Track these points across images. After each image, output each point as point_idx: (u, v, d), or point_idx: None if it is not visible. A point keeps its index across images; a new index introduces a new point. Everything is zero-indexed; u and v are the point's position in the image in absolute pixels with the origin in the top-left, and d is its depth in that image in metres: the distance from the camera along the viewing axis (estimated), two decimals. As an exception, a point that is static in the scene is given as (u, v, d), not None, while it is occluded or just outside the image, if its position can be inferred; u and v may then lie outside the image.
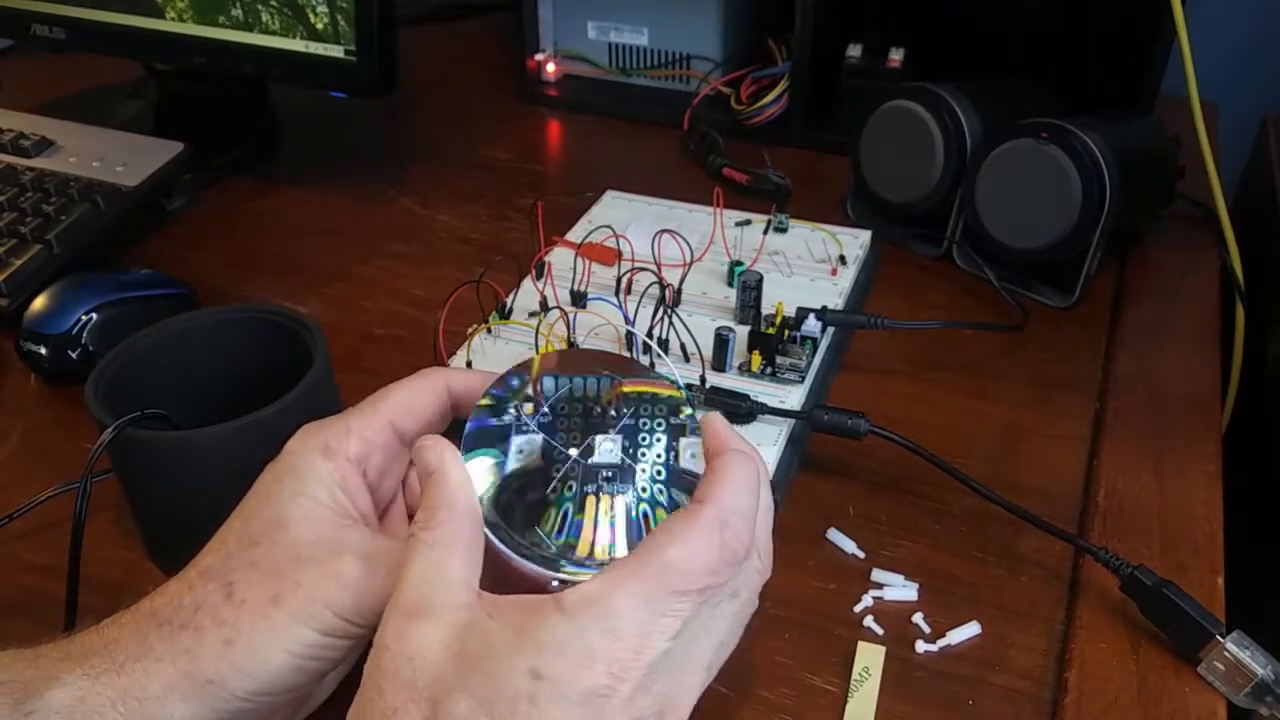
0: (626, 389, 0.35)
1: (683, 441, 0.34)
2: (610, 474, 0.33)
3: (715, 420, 0.35)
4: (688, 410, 0.35)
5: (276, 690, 0.32)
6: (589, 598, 0.29)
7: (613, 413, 0.34)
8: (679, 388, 0.35)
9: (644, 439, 0.34)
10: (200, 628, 0.32)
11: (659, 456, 0.34)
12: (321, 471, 0.35)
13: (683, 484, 0.34)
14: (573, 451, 0.34)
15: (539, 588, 0.32)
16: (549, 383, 0.36)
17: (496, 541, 0.33)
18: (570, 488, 0.34)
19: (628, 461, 0.33)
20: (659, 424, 0.34)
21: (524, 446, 0.34)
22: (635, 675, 0.29)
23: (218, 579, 0.33)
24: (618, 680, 0.29)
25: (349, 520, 0.35)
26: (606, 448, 0.34)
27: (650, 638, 0.29)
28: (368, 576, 0.32)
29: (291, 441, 0.36)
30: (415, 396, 0.38)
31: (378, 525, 0.37)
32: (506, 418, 0.35)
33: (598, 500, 0.33)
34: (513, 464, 0.34)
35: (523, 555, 0.33)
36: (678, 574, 0.30)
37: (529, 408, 0.35)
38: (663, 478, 0.34)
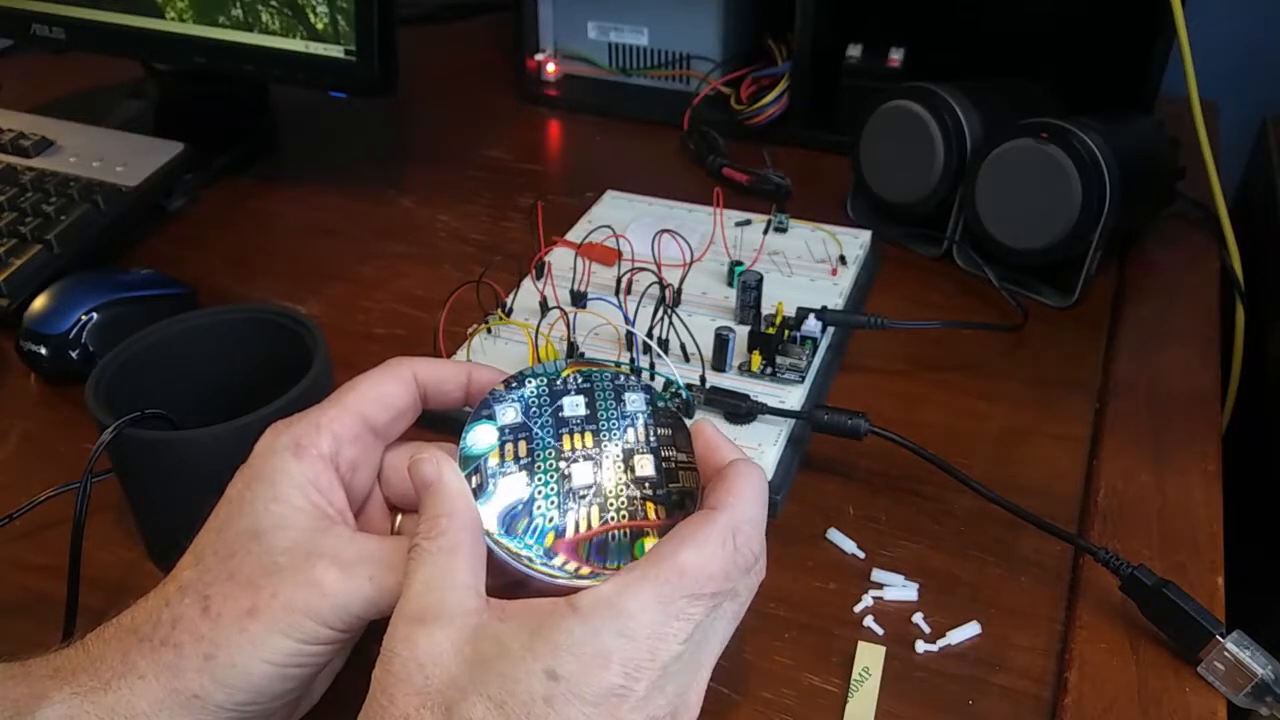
0: (579, 367, 0.39)
1: (626, 395, 0.38)
2: (578, 423, 0.37)
3: (705, 427, 0.36)
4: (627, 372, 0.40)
5: (263, 699, 0.32)
6: (603, 599, 0.29)
7: (573, 381, 0.38)
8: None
9: (601, 398, 0.38)
10: (179, 644, 0.32)
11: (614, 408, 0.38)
12: (294, 473, 0.34)
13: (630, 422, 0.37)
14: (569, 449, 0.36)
15: (540, 593, 0.32)
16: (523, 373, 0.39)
17: (496, 549, 0.33)
18: (548, 458, 0.35)
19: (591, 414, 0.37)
20: (607, 386, 0.38)
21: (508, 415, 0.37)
22: (650, 676, 0.29)
23: (194, 593, 0.32)
24: (633, 680, 0.29)
25: (324, 521, 0.34)
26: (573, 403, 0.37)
27: (664, 640, 0.29)
28: (346, 581, 0.32)
29: (260, 442, 0.35)
30: (383, 386, 0.37)
31: (354, 522, 0.36)
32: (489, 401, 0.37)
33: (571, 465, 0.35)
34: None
35: (519, 562, 0.33)
36: (692, 578, 0.30)
37: (500, 385, 0.38)
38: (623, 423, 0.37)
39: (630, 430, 0.37)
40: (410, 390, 0.38)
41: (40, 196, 0.67)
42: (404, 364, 0.38)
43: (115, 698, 0.31)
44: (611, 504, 0.34)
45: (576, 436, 0.36)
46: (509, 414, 0.37)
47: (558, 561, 0.33)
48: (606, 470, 0.35)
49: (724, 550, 0.31)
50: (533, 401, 0.37)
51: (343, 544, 0.33)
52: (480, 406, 0.37)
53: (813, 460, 0.51)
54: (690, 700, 0.32)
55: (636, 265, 0.60)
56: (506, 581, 0.34)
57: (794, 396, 0.52)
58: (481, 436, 0.36)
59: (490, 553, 0.33)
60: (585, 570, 0.33)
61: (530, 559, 0.33)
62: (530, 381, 0.38)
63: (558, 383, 0.38)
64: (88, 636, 0.33)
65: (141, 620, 0.33)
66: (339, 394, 0.37)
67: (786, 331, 0.53)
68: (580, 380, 0.38)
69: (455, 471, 0.33)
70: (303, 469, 0.34)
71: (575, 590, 0.30)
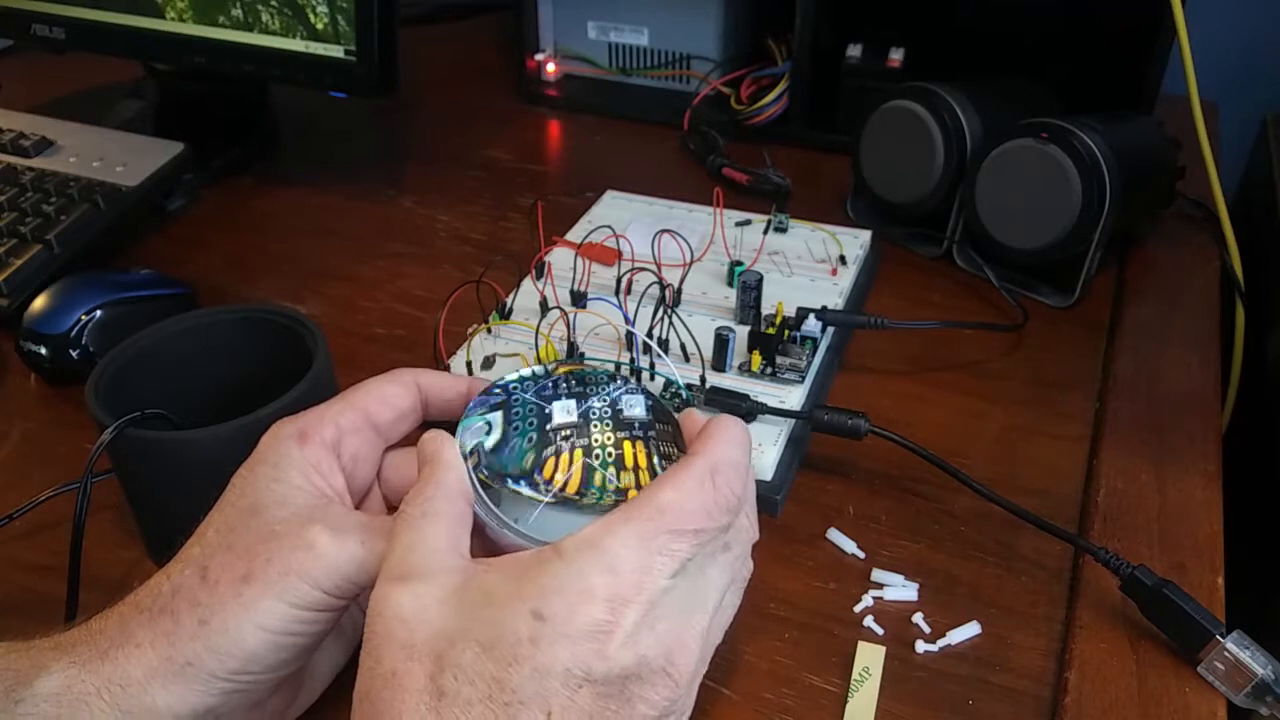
0: (573, 367, 0.39)
1: (624, 398, 0.38)
2: (569, 432, 0.36)
3: (691, 412, 0.37)
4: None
5: (257, 669, 0.33)
6: (586, 540, 0.30)
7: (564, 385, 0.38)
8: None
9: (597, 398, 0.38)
10: (176, 611, 0.32)
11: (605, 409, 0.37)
12: (295, 457, 0.35)
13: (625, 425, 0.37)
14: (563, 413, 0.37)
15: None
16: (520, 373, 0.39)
17: (485, 518, 0.33)
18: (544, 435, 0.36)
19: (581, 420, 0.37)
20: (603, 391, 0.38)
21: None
22: (636, 610, 0.29)
23: (195, 565, 0.33)
24: (618, 614, 0.29)
25: (323, 500, 0.35)
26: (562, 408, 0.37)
27: (649, 574, 0.30)
28: (339, 544, 0.33)
29: (266, 433, 0.37)
30: (387, 386, 0.39)
31: (352, 507, 0.37)
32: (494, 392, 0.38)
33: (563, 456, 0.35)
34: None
35: (511, 532, 0.33)
36: (672, 515, 0.30)
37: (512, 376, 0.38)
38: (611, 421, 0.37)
39: (626, 444, 0.36)
40: (412, 394, 0.39)
41: (40, 196, 0.67)
42: (408, 371, 0.39)
43: (112, 666, 0.32)
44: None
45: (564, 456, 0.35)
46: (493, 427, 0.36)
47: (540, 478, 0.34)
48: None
49: (702, 489, 0.31)
50: (518, 411, 0.37)
51: (338, 513, 0.34)
52: (467, 414, 0.37)
53: (813, 460, 0.51)
54: (687, 640, 0.31)
55: (636, 265, 0.60)
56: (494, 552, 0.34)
57: (794, 396, 0.52)
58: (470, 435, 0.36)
59: (478, 519, 0.33)
60: (573, 486, 0.33)
61: (515, 490, 0.33)
62: (515, 389, 0.38)
63: (547, 388, 0.37)
64: (94, 616, 0.34)
65: (144, 595, 0.33)
66: (346, 393, 0.38)
67: (786, 331, 0.53)
68: (574, 384, 0.38)
69: (454, 450, 0.34)
70: (305, 454, 0.35)
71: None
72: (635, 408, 0.37)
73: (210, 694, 0.32)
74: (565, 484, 0.34)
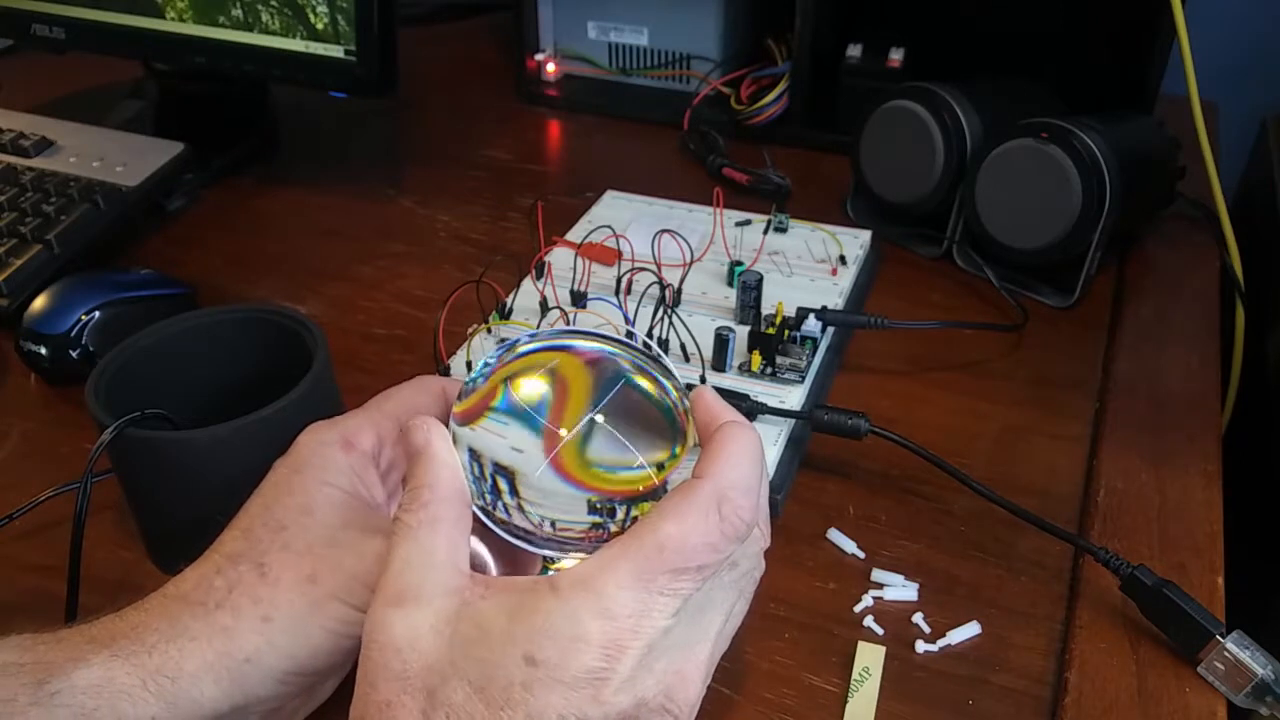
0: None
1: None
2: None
3: (706, 393, 0.34)
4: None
5: (310, 670, 0.33)
6: (581, 579, 0.29)
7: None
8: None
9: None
10: (237, 607, 0.32)
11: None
12: (341, 463, 0.36)
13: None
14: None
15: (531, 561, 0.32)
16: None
17: (486, 520, 0.33)
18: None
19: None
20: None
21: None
22: (633, 656, 0.28)
23: (248, 561, 0.33)
24: (613, 661, 0.28)
25: (370, 508, 0.36)
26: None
27: (648, 617, 0.28)
28: None
29: (303, 436, 0.37)
30: (418, 396, 0.38)
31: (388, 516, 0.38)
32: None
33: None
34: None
35: (513, 534, 0.33)
36: (673, 552, 0.29)
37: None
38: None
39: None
40: (441, 404, 0.39)
41: (40, 196, 0.67)
42: (433, 380, 0.39)
43: (161, 659, 0.31)
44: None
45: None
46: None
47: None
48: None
49: (708, 521, 0.29)
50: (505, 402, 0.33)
51: (390, 525, 0.34)
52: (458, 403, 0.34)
53: (813, 460, 0.51)
54: (689, 675, 0.30)
55: (636, 265, 0.60)
56: (501, 546, 0.34)
57: (794, 396, 0.52)
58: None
59: (476, 518, 0.33)
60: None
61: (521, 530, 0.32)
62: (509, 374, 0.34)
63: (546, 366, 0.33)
64: (125, 609, 0.33)
65: (191, 588, 0.33)
66: (377, 402, 0.38)
67: (786, 331, 0.53)
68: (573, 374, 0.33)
69: (444, 440, 0.33)
70: (350, 461, 0.36)
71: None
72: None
73: (250, 693, 0.32)
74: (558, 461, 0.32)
